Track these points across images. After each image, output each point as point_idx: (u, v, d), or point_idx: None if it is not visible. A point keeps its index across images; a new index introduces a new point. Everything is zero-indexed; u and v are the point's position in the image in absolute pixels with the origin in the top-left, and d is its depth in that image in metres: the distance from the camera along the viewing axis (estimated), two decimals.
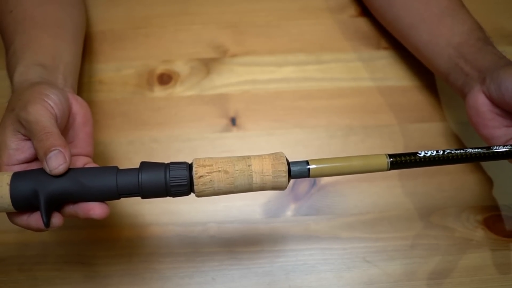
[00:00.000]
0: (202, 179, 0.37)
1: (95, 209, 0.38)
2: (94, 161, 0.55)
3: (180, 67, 0.61)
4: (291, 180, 0.54)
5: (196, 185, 0.37)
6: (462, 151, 0.40)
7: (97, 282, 0.50)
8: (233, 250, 0.52)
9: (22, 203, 0.37)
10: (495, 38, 0.62)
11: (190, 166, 0.38)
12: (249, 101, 0.59)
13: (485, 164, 0.56)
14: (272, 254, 0.52)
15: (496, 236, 0.53)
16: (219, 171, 0.37)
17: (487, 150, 0.40)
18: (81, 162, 0.43)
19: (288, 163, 0.38)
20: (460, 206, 0.54)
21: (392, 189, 0.55)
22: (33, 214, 0.38)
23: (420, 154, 0.40)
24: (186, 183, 0.37)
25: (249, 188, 0.38)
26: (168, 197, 0.54)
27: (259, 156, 0.38)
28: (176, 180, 0.37)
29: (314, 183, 0.55)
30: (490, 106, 0.46)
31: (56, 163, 0.36)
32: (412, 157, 0.39)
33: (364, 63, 0.61)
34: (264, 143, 0.57)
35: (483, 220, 0.53)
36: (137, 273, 0.50)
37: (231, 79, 0.60)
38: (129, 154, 0.56)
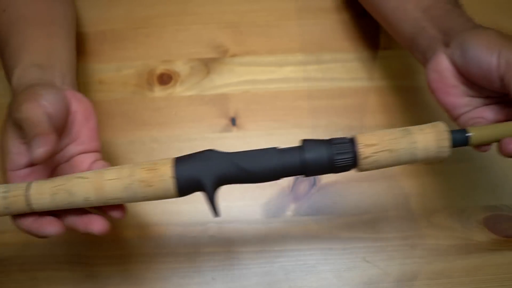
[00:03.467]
0: (367, 159, 0.37)
1: (94, 224, 0.38)
2: None
3: (180, 67, 0.61)
4: (291, 180, 0.55)
5: (360, 165, 0.38)
6: None
7: (97, 282, 0.50)
8: (233, 250, 0.52)
9: (186, 190, 0.38)
10: None
11: (352, 142, 0.38)
12: (249, 101, 0.59)
13: (485, 164, 0.56)
14: (272, 254, 0.52)
15: (496, 236, 0.53)
16: (384, 150, 0.37)
17: None
18: (90, 159, 0.43)
19: (450, 136, 0.38)
20: (460, 206, 0.54)
21: (392, 189, 0.55)
22: (38, 219, 0.38)
23: None
24: (352, 163, 0.38)
25: (411, 162, 0.38)
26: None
27: (420, 130, 0.38)
28: (342, 161, 0.37)
29: (314, 183, 0.55)
30: (453, 72, 0.43)
31: (36, 147, 0.35)
32: None
33: (364, 63, 0.61)
34: (264, 143, 0.57)
35: (483, 220, 0.53)
36: (137, 273, 0.50)
37: (231, 79, 0.60)
38: (129, 154, 0.56)
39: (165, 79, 0.60)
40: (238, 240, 0.52)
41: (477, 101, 0.43)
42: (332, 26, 0.63)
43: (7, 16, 0.49)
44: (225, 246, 0.52)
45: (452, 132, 0.38)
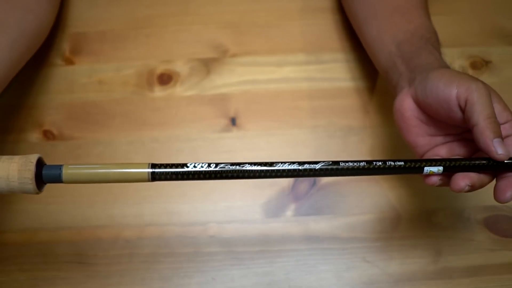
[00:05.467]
0: None
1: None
2: (96, 161, 0.56)
3: (180, 67, 0.61)
4: (291, 180, 0.55)
5: None
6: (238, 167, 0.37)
7: (97, 282, 0.50)
8: (233, 250, 0.52)
9: None
10: (495, 38, 0.63)
11: None
12: (249, 101, 0.59)
13: None
14: (272, 254, 0.52)
15: (496, 236, 0.53)
16: None
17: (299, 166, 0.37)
18: None
19: (40, 168, 0.36)
20: (460, 206, 0.54)
21: (392, 189, 0.55)
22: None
23: (188, 166, 0.37)
24: None
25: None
26: (167, 197, 0.54)
27: (9, 158, 0.36)
28: None
29: (314, 183, 0.55)
30: (415, 111, 0.43)
31: None
32: (180, 169, 0.36)
33: (363, 63, 0.61)
34: (264, 143, 0.57)
35: (483, 220, 0.53)
36: (137, 273, 0.50)
37: (231, 79, 0.60)
38: (129, 154, 0.56)
39: (165, 79, 0.60)
40: (238, 240, 0.52)
41: (437, 140, 0.44)
42: (332, 26, 0.63)
43: None
44: (225, 246, 0.52)
45: (46, 166, 0.36)
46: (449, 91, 0.40)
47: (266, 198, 0.54)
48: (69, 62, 0.61)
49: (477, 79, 0.40)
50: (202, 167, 0.36)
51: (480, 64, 0.61)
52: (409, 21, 0.50)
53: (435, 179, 0.40)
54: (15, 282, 0.50)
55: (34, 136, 0.56)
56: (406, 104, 0.44)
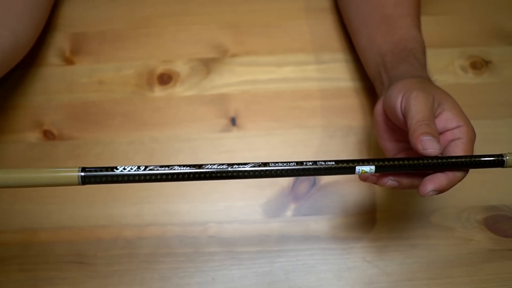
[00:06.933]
0: None
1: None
2: (94, 162, 0.56)
3: (180, 67, 0.61)
4: (291, 180, 0.55)
5: None
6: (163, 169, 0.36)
7: (97, 282, 0.50)
8: (233, 250, 0.52)
9: None
10: (495, 38, 0.63)
11: None
12: (249, 101, 0.59)
13: None
14: (272, 254, 0.52)
15: (496, 236, 0.53)
16: None
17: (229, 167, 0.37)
18: None
19: None
20: (460, 206, 0.54)
21: (392, 189, 0.55)
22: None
23: (118, 169, 0.36)
24: None
25: None
26: (167, 197, 0.54)
27: None
28: None
29: (314, 183, 0.55)
30: (384, 117, 0.45)
31: None
32: (110, 173, 0.36)
33: None
34: (264, 143, 0.57)
35: (483, 220, 0.53)
36: (137, 273, 0.50)
37: (231, 79, 0.60)
38: (129, 154, 0.56)
39: (165, 79, 0.60)
40: (238, 240, 0.52)
41: (401, 145, 0.45)
42: (332, 26, 0.63)
43: None
44: (225, 246, 0.52)
45: None
46: (396, 99, 0.41)
47: (266, 198, 0.54)
48: (69, 62, 0.61)
49: (425, 88, 0.41)
50: (131, 170, 0.36)
51: (480, 64, 0.61)
52: (395, 32, 0.51)
53: (371, 178, 0.40)
54: (14, 282, 0.50)
55: (34, 136, 0.56)
56: (377, 110, 0.45)
